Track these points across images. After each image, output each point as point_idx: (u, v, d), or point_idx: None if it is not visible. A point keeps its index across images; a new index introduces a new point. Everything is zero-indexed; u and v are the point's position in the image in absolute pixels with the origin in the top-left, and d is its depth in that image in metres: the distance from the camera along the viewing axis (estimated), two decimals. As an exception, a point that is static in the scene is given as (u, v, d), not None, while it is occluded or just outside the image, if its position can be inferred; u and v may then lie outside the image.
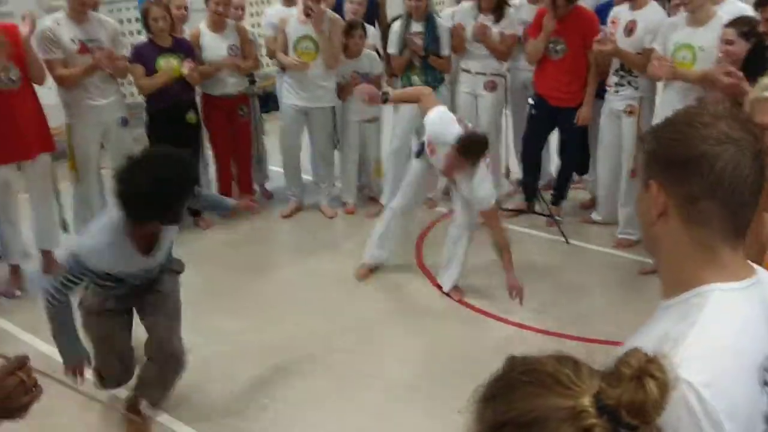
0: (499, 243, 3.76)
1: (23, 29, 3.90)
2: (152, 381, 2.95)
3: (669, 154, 1.06)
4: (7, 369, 1.32)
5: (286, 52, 4.88)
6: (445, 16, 5.03)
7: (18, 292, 4.13)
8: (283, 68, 5.04)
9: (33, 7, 5.56)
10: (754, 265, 1.11)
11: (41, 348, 3.59)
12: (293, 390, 3.25)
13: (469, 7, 4.88)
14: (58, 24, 4.16)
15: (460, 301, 3.98)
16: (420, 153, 4.01)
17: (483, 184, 3.65)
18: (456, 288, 4.05)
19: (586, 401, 0.78)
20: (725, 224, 1.05)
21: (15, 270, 4.19)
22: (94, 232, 2.61)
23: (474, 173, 3.62)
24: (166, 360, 2.89)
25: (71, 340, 2.73)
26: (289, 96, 4.99)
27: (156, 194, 2.39)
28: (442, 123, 3.67)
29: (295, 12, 4.87)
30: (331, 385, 3.26)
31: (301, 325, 3.75)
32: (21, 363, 1.30)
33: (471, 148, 3.56)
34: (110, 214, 2.58)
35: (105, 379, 2.96)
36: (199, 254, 4.67)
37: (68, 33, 4.16)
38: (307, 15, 4.71)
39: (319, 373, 3.34)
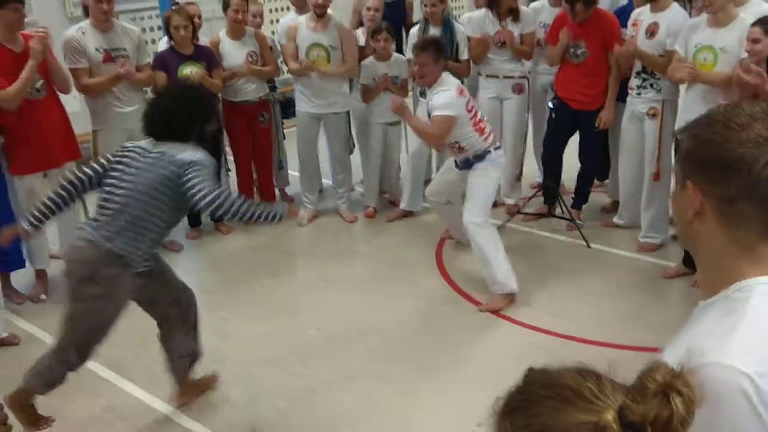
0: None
1: (34, 45, 3.85)
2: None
3: (705, 155, 1.05)
4: None
5: (296, 60, 4.89)
6: (463, 21, 5.04)
7: (44, 296, 4.19)
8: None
9: (58, 16, 5.70)
10: None
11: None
12: (312, 394, 3.26)
13: (483, 15, 4.89)
14: (83, 33, 4.22)
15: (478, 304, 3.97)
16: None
17: (440, 93, 3.86)
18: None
19: (609, 417, 0.76)
20: (763, 225, 1.04)
21: (41, 275, 4.26)
22: (190, 151, 2.78)
23: (438, 82, 3.91)
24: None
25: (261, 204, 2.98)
26: (302, 103, 5.02)
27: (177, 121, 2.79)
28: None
29: (304, 20, 4.91)
30: (351, 390, 3.26)
31: (320, 330, 3.77)
32: None
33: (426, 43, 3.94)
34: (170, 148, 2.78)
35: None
36: (220, 258, 4.73)
37: (93, 42, 4.23)
38: (320, 15, 4.73)
39: (338, 378, 3.35)
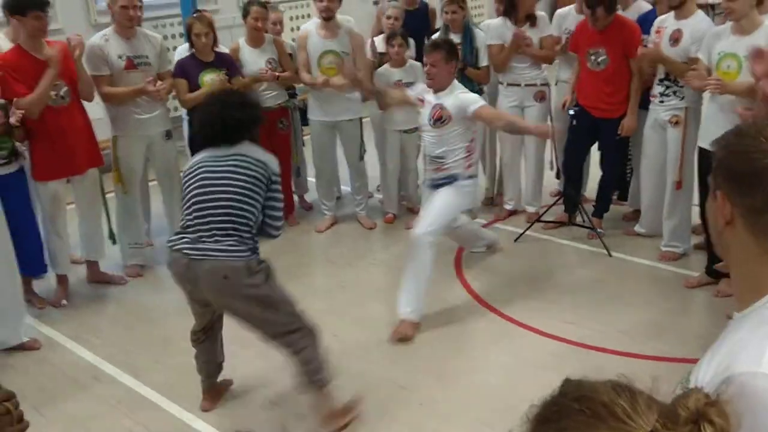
0: (509, 124, 4.04)
1: (74, 53, 3.99)
2: None
3: (734, 166, 1.08)
4: None
5: (309, 69, 4.92)
6: (483, 28, 5.03)
7: (65, 302, 4.23)
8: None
9: (82, 24, 5.77)
10: None
11: (86, 356, 3.68)
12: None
13: (501, 22, 4.87)
14: (107, 40, 4.27)
15: (501, 315, 3.93)
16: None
17: (464, 94, 3.85)
18: None
19: None
20: None
21: (62, 280, 4.30)
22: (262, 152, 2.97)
23: (452, 86, 3.86)
24: None
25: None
26: (315, 111, 5.03)
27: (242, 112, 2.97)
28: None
29: (314, 27, 4.92)
30: (369, 398, 3.23)
31: (337, 337, 3.75)
32: (8, 395, 1.32)
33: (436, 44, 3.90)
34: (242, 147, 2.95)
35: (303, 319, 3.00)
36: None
37: (116, 49, 4.27)
38: (326, 19, 4.75)
39: (356, 386, 3.33)
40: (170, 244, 2.87)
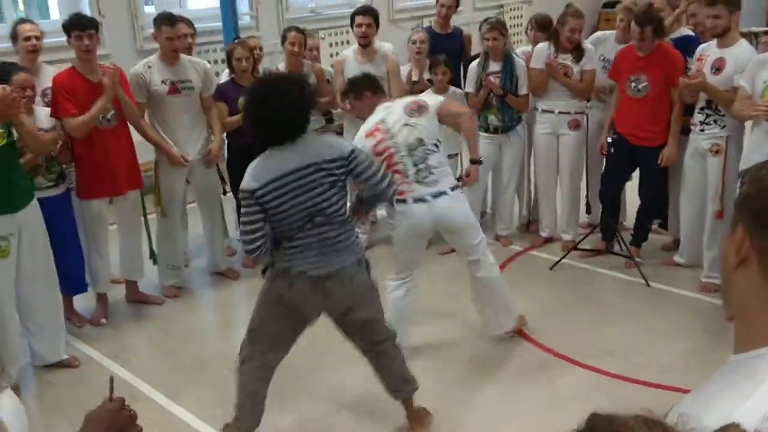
0: (465, 126, 3.70)
1: (107, 81, 4.01)
2: None
3: (759, 201, 1.01)
4: (119, 402, 1.42)
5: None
6: (519, 53, 5.05)
7: (104, 321, 4.31)
8: None
9: (129, 50, 5.94)
10: None
11: (123, 375, 3.73)
12: (361, 424, 3.23)
13: (545, 47, 4.87)
14: (149, 67, 4.39)
15: (536, 344, 3.88)
16: None
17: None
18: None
19: None
20: None
21: (102, 299, 4.38)
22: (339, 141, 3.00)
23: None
24: None
25: None
26: (350, 135, 5.07)
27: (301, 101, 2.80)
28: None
29: (351, 53, 4.98)
30: (395, 422, 3.21)
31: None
32: (123, 400, 1.41)
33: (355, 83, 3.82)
34: (315, 137, 2.96)
35: None
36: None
37: (159, 75, 4.38)
38: (364, 45, 4.79)
39: (388, 410, 3.30)
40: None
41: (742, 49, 4.05)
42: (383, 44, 5.20)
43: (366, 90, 3.76)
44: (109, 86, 3.97)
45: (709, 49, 4.17)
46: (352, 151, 2.80)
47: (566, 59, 4.77)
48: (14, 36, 4.32)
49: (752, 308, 1.02)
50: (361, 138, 3.56)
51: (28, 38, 4.25)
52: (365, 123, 3.66)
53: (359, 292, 2.88)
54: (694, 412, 0.93)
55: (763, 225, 1.00)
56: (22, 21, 4.51)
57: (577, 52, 4.75)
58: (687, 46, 4.48)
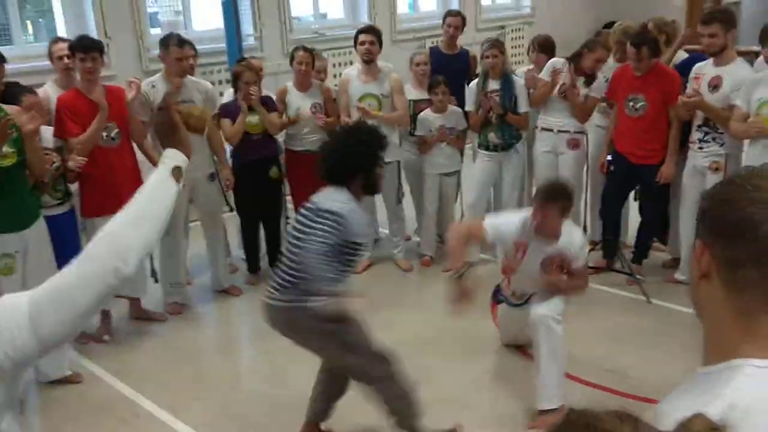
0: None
1: (128, 94, 4.20)
2: None
3: (716, 215, 1.02)
4: None
5: (348, 113, 5.03)
6: (520, 74, 5.10)
7: (107, 337, 4.33)
8: None
9: (135, 70, 6.02)
10: None
11: (126, 392, 3.75)
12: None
13: (562, 62, 4.91)
14: (153, 87, 4.46)
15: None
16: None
17: (575, 232, 3.53)
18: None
19: None
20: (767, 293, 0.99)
21: (105, 316, 4.41)
22: (345, 204, 2.89)
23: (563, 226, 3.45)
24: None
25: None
26: None
27: (356, 156, 2.93)
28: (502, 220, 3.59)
29: (356, 72, 5.04)
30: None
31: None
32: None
33: (551, 192, 3.42)
34: (332, 193, 2.95)
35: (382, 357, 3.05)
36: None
37: (163, 95, 4.44)
38: (367, 62, 4.86)
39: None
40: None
41: (738, 67, 4.11)
42: (386, 64, 5.27)
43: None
44: (103, 103, 4.03)
45: (705, 68, 4.22)
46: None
47: (578, 81, 4.83)
48: (50, 56, 4.44)
49: (716, 321, 1.03)
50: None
51: (60, 57, 4.35)
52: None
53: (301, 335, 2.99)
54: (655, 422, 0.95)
55: (718, 235, 1.01)
56: (56, 40, 4.59)
57: (590, 78, 4.82)
58: (685, 67, 4.53)
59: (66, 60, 4.33)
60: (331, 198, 2.93)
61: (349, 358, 2.98)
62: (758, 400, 0.93)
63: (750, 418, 0.91)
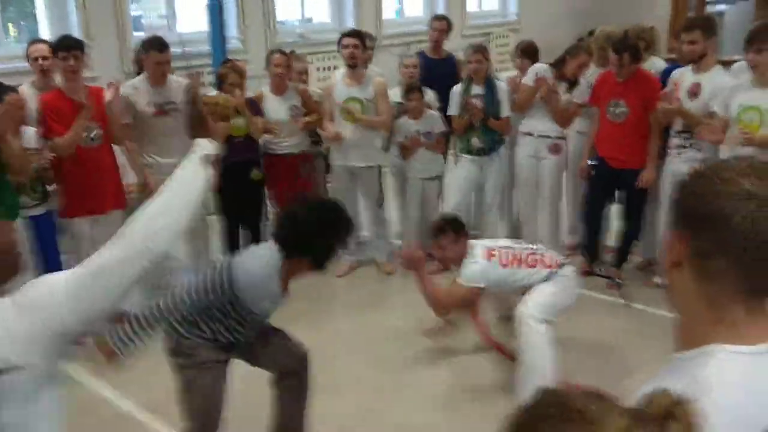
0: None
1: (108, 95, 4.19)
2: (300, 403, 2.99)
3: (687, 206, 1.06)
4: None
5: (332, 118, 5.03)
6: (504, 79, 5.14)
7: (85, 340, 4.28)
8: None
9: (116, 72, 6.00)
10: None
11: (125, 405, 3.70)
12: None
13: (545, 68, 4.94)
14: (136, 88, 4.44)
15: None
16: None
17: (469, 264, 3.49)
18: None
19: None
20: (739, 284, 1.02)
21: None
22: (253, 266, 2.62)
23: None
24: (304, 363, 2.96)
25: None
26: (337, 156, 5.13)
27: (319, 234, 2.60)
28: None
29: (340, 76, 5.06)
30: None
31: (359, 380, 3.76)
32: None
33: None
34: (265, 251, 2.66)
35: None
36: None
37: (145, 97, 4.43)
38: (351, 66, 4.87)
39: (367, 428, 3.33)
40: None
41: (717, 74, 4.16)
42: (372, 68, 5.28)
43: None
44: (88, 105, 4.02)
45: (684, 75, 4.27)
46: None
47: (560, 86, 4.86)
48: (28, 56, 4.42)
49: (689, 309, 1.07)
50: (483, 263, 3.47)
51: (37, 59, 4.33)
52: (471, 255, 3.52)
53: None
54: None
55: (689, 225, 1.05)
56: (33, 41, 4.56)
57: (572, 84, 4.86)
58: (666, 75, 4.58)
59: (42, 61, 4.30)
60: (251, 264, 2.65)
61: (184, 405, 2.79)
62: (728, 383, 0.97)
63: (718, 400, 0.95)
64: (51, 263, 4.06)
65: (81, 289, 1.57)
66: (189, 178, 1.77)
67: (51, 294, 1.57)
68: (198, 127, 1.82)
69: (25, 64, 4.55)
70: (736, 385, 0.98)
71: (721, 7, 12.34)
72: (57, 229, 4.19)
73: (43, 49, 4.33)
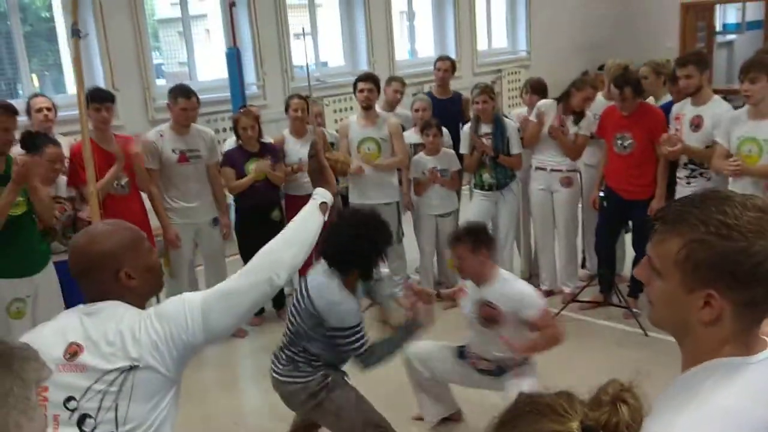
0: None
1: (136, 147, 4.44)
2: None
3: (729, 266, 1.09)
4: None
5: (349, 154, 5.14)
6: (513, 116, 5.28)
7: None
8: None
9: (142, 120, 6.23)
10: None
11: None
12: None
13: (551, 103, 5.07)
14: (161, 136, 4.65)
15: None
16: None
17: (516, 282, 3.37)
18: None
19: (575, 425, 0.93)
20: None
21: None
22: (334, 295, 2.92)
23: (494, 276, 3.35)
24: None
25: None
26: (354, 195, 5.26)
27: (358, 247, 2.91)
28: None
29: (355, 118, 5.23)
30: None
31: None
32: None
33: (455, 234, 3.47)
34: (326, 279, 2.95)
35: None
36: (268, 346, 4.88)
37: (170, 144, 4.64)
38: (366, 108, 5.04)
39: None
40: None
41: (716, 104, 4.28)
42: (401, 111, 5.46)
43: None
44: (121, 157, 4.22)
45: (684, 108, 4.38)
46: (336, 329, 2.98)
47: (567, 120, 4.99)
48: (28, 110, 4.65)
49: (708, 347, 1.15)
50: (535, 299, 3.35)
51: (39, 110, 4.59)
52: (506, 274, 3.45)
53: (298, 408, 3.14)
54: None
55: (735, 282, 1.10)
56: (35, 95, 4.86)
57: (579, 116, 4.97)
58: (666, 109, 4.69)
59: (45, 112, 4.60)
60: (320, 287, 2.95)
61: (343, 424, 3.05)
62: (733, 393, 1.08)
63: (720, 412, 1.06)
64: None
65: (212, 307, 1.80)
66: (307, 221, 1.99)
67: (186, 309, 1.79)
68: (319, 177, 2.07)
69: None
70: (738, 392, 1.08)
71: (731, 36, 12.48)
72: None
73: (44, 101, 4.67)
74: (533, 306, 3.24)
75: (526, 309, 3.23)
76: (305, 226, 2.00)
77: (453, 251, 3.41)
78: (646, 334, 4.56)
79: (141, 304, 1.88)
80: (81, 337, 1.77)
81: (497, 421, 1.00)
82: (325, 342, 2.97)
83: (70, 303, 3.91)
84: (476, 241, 3.33)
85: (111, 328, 1.75)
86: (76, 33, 3.74)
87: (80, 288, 1.87)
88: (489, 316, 3.31)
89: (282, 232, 1.97)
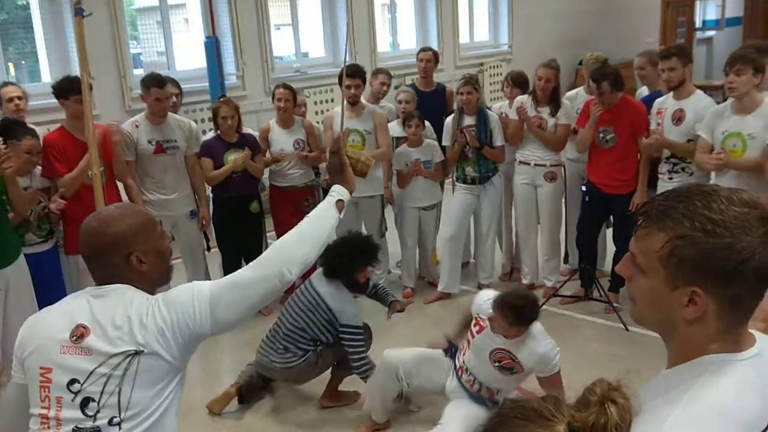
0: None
1: (114, 136, 4.30)
2: None
3: (713, 263, 1.06)
4: None
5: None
6: (496, 109, 5.24)
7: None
8: None
9: (118, 110, 6.12)
10: (757, 334, 1.15)
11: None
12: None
13: (524, 99, 5.06)
14: (137, 126, 4.55)
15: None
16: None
17: (543, 342, 3.26)
18: None
19: (561, 429, 0.90)
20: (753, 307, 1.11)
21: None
22: (339, 300, 3.68)
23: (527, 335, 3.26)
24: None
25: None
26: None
27: (348, 255, 3.62)
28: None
29: (339, 109, 5.16)
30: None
31: (355, 412, 3.79)
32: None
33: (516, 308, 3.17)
34: (334, 288, 3.70)
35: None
36: (250, 341, 4.83)
37: (146, 135, 4.55)
38: (353, 104, 4.98)
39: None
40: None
41: (699, 99, 4.27)
42: (385, 103, 5.40)
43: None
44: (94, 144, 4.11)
45: (666, 102, 4.38)
46: (345, 326, 3.74)
47: (543, 112, 4.96)
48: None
49: (694, 343, 1.12)
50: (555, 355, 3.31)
51: (11, 99, 4.47)
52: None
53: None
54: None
55: (719, 279, 1.07)
56: (5, 84, 4.77)
57: (554, 106, 4.95)
58: (647, 102, 4.69)
59: (17, 101, 4.52)
60: (340, 303, 3.69)
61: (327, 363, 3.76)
62: (723, 389, 1.06)
63: (713, 409, 1.03)
64: (56, 299, 4.11)
65: (220, 298, 1.78)
66: (322, 218, 1.98)
67: (194, 297, 1.77)
68: (339, 174, 2.03)
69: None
70: (728, 388, 1.06)
71: (710, 33, 12.59)
72: (63, 265, 4.25)
73: (15, 90, 4.60)
74: (552, 368, 3.27)
75: (543, 367, 3.27)
76: (320, 223, 1.98)
77: (494, 310, 3.20)
78: (627, 329, 4.57)
79: (150, 290, 1.85)
80: (88, 319, 1.76)
81: (485, 427, 0.97)
82: (334, 335, 3.62)
83: (41, 297, 3.83)
84: (520, 318, 3.17)
85: (119, 312, 1.74)
86: (79, 12, 3.61)
87: (90, 270, 1.85)
88: (508, 367, 3.30)
89: (297, 226, 1.95)
